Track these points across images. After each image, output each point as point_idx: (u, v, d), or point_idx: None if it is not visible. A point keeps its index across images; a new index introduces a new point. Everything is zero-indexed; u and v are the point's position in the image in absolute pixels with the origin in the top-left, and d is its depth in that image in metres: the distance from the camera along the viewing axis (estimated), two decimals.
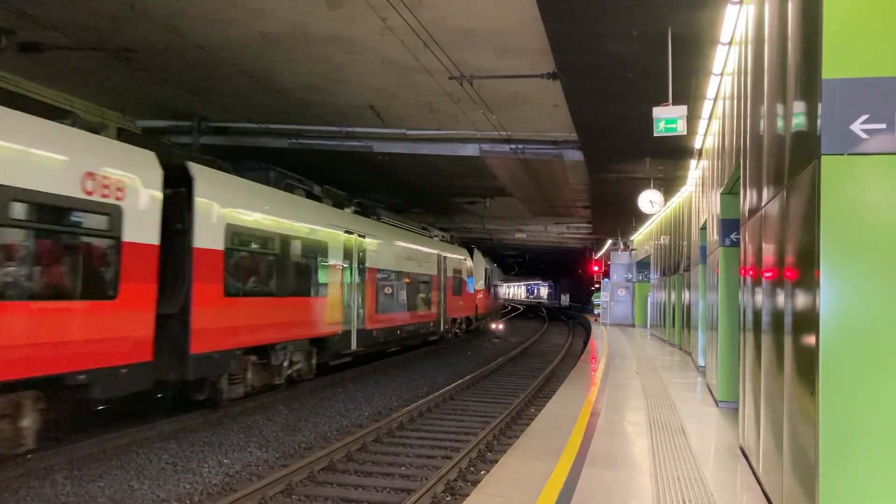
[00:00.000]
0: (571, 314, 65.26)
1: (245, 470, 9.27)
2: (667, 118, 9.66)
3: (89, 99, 16.25)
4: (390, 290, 20.81)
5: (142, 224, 9.84)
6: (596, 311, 46.47)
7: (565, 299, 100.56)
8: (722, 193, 10.73)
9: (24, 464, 8.61)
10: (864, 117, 4.04)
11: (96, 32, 12.16)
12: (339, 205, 18.54)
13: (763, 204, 6.35)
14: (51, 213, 8.48)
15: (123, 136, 10.83)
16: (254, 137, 18.71)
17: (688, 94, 11.23)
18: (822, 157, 4.13)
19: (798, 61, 4.91)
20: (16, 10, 11.10)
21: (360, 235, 18.29)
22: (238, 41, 12.45)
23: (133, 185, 9.68)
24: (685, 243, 19.06)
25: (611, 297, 39.21)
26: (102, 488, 8.18)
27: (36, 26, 11.73)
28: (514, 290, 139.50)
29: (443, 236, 30.87)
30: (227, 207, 12.09)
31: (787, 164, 5.19)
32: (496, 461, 7.98)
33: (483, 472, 9.08)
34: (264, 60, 13.39)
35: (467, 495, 6.30)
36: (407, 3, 9.85)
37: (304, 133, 18.40)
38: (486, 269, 38.02)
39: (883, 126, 4.03)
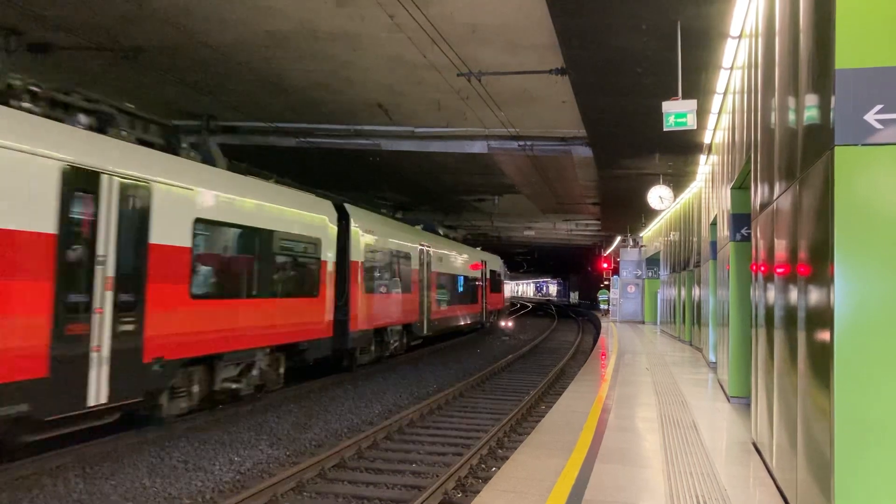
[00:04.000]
0: (581, 311, 65.15)
1: (256, 467, 9.28)
2: (676, 113, 9.60)
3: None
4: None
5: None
6: (602, 307, 46.52)
7: (574, 296, 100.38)
8: (732, 188, 10.67)
9: (37, 462, 8.65)
10: (878, 107, 3.99)
11: (105, 32, 12.20)
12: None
13: (775, 198, 6.30)
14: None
15: None
16: (262, 136, 18.75)
17: (697, 89, 11.16)
18: (836, 148, 4.08)
19: (810, 52, 4.86)
20: (25, 11, 11.14)
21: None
22: (246, 40, 12.47)
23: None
24: (695, 239, 18.98)
25: (620, 294, 39.09)
26: (115, 486, 8.20)
27: (45, 27, 11.78)
28: (524, 288, 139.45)
29: None
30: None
31: (800, 156, 5.14)
32: (507, 458, 7.96)
33: (494, 468, 9.06)
34: (272, 59, 13.41)
35: (479, 492, 6.29)
36: None
37: (313, 132, 18.42)
38: None
39: None
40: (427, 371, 19.50)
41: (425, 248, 23.85)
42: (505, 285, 46.10)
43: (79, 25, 11.88)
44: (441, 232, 29.71)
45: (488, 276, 36.54)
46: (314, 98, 15.90)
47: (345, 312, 16.49)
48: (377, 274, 18.72)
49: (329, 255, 15.36)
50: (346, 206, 17.09)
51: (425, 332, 23.70)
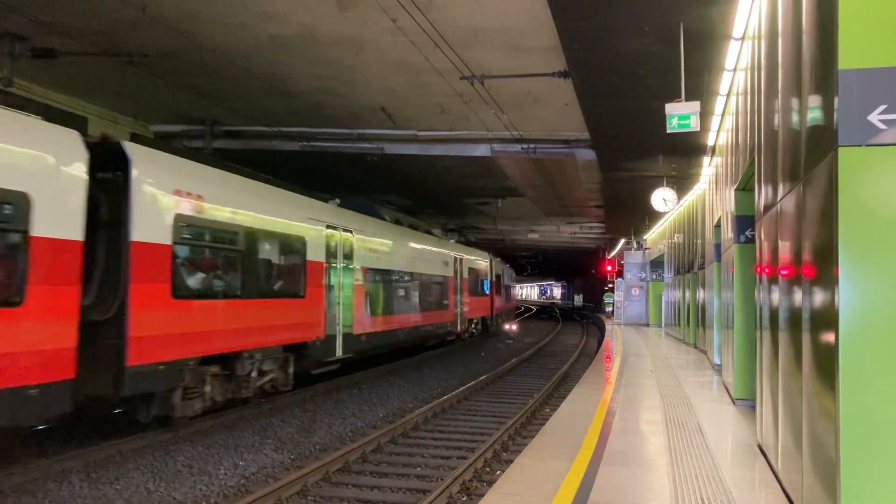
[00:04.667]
0: (585, 314, 65.08)
1: (261, 471, 9.28)
2: (680, 114, 9.58)
3: (103, 104, 16.36)
4: None
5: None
6: (607, 309, 46.69)
7: (578, 299, 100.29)
8: (736, 190, 10.65)
9: (41, 466, 8.66)
10: (882, 108, 3.98)
11: (109, 37, 12.24)
12: None
13: (778, 199, 6.29)
14: None
15: None
16: (266, 141, 18.79)
17: (700, 90, 11.15)
18: (840, 148, 4.07)
19: (813, 53, 4.86)
20: (30, 17, 11.18)
21: None
22: (249, 44, 12.50)
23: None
24: (699, 241, 18.95)
25: (624, 297, 39.05)
26: (119, 491, 8.21)
27: (49, 32, 11.82)
28: (528, 291, 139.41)
29: None
30: None
31: (804, 157, 5.13)
32: (512, 461, 7.94)
33: (499, 471, 9.05)
34: (275, 63, 13.44)
35: (483, 495, 6.27)
36: (417, 3, 9.85)
37: (316, 136, 18.45)
38: None
39: None
40: (431, 374, 19.49)
41: (341, 234, 16.16)
42: (501, 286, 38.99)
43: (83, 31, 11.92)
44: (387, 217, 21.74)
45: (466, 274, 29.18)
46: (317, 102, 15.93)
47: (117, 333, 9.40)
48: (218, 267, 11.62)
49: (60, 228, 8.40)
50: (127, 146, 9.59)
51: (340, 353, 15.93)
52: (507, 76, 12.94)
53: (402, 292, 21.01)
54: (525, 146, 17.98)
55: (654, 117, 11.52)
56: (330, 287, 15.51)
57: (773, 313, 6.59)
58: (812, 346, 4.83)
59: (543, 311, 77.77)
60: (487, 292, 34.06)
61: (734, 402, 10.93)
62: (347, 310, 16.49)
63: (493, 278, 35.64)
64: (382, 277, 19.18)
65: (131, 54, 12.69)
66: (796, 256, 5.38)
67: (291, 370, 14.06)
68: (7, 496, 7.83)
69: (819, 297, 4.60)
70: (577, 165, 20.20)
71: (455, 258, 27.75)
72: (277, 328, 13.30)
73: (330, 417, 12.84)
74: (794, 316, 5.46)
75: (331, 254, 15.63)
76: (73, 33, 11.89)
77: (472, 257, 31.34)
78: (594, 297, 75.54)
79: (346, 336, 16.30)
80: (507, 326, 41.68)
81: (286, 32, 11.94)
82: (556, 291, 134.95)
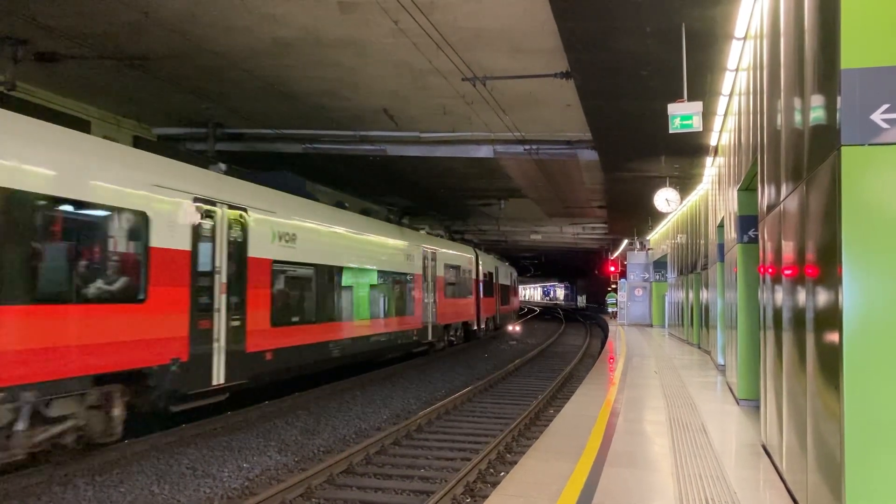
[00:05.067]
0: (588, 315, 65.04)
1: (265, 474, 9.29)
2: (682, 115, 9.58)
3: (105, 108, 16.39)
4: None
5: None
6: (610, 310, 46.63)
7: (582, 300, 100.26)
8: (739, 190, 10.64)
9: (46, 470, 8.67)
10: (884, 107, 3.97)
11: (111, 41, 12.26)
12: None
13: (781, 199, 6.28)
14: None
15: None
16: (269, 143, 18.79)
17: (703, 91, 11.15)
18: (843, 148, 4.06)
19: (815, 53, 4.85)
20: (32, 21, 11.21)
21: None
22: (251, 47, 12.51)
23: None
24: (702, 241, 18.93)
25: (628, 298, 39.00)
26: (124, 494, 8.22)
27: (52, 36, 11.85)
28: (531, 292, 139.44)
29: None
30: None
31: (806, 157, 5.13)
32: (516, 462, 7.94)
33: (503, 473, 9.05)
34: (278, 66, 13.45)
35: (487, 497, 6.27)
36: (419, 5, 9.86)
37: (319, 138, 18.45)
38: None
39: None
40: (435, 375, 19.47)
41: (224, 212, 11.68)
42: (493, 286, 33.88)
43: (85, 34, 11.94)
44: (322, 199, 17.60)
45: (441, 272, 24.51)
46: (320, 104, 15.94)
47: None
48: None
49: None
50: None
51: (222, 379, 11.38)
52: (508, 77, 12.95)
53: (338, 294, 16.30)
54: (527, 147, 17.98)
55: (656, 118, 11.53)
56: (201, 287, 11.09)
57: (777, 313, 6.58)
58: (816, 345, 4.82)
59: (546, 313, 77.72)
60: (472, 293, 29.42)
61: (738, 403, 10.91)
62: (237, 319, 11.95)
63: (481, 277, 31.24)
64: (305, 274, 14.75)
65: (133, 58, 12.73)
66: (800, 256, 5.38)
67: (118, 411, 9.42)
68: (12, 499, 7.84)
69: (823, 297, 4.60)
70: (580, 166, 20.20)
71: (425, 252, 23.08)
72: (83, 350, 8.70)
73: (333, 419, 12.84)
74: (798, 316, 5.45)
75: (204, 239, 11.23)
76: (75, 37, 11.92)
77: (451, 252, 26.65)
78: (597, 298, 75.53)
79: (234, 355, 11.77)
80: (510, 328, 41.49)
81: (288, 35, 11.95)
82: (560, 292, 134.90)
